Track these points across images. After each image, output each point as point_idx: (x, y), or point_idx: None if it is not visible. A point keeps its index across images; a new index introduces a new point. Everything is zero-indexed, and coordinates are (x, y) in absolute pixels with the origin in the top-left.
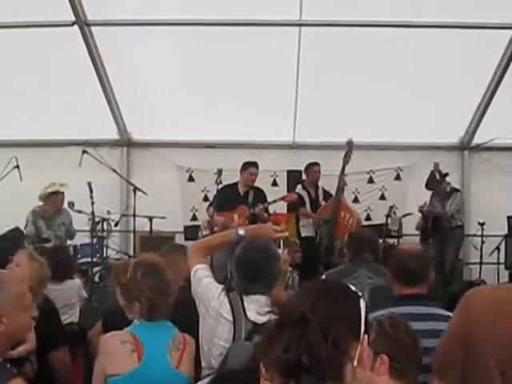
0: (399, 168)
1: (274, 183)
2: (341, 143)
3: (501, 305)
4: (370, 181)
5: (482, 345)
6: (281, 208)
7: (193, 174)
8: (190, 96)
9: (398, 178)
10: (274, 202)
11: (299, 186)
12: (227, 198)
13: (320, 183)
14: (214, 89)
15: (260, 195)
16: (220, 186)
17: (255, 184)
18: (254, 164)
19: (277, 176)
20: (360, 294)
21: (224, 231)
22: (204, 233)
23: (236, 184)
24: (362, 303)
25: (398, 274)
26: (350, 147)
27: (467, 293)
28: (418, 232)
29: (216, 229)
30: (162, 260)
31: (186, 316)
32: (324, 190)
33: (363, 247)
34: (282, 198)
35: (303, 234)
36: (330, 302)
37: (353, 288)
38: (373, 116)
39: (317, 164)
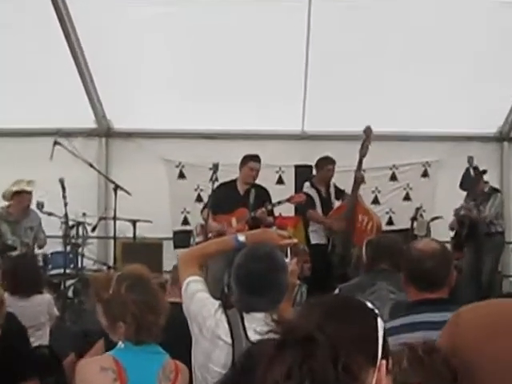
0: (427, 163)
1: (280, 181)
2: (357, 133)
3: (493, 321)
4: (393, 178)
5: (470, 362)
6: (287, 210)
7: (184, 170)
8: (181, 78)
9: (425, 174)
10: (279, 203)
11: (307, 184)
12: (224, 199)
13: (332, 180)
14: (209, 70)
15: (263, 195)
16: (216, 183)
17: (257, 181)
18: (256, 158)
19: (283, 172)
20: (377, 311)
21: (220, 237)
22: (197, 239)
23: (235, 182)
24: (380, 323)
25: (412, 277)
26: (367, 136)
27: (461, 308)
28: (450, 238)
29: (210, 235)
30: (150, 272)
31: (178, 339)
32: (337, 188)
33: (384, 256)
34: (289, 200)
35: (313, 241)
36: (340, 320)
37: (369, 304)
38: (395, 101)
39: (332, 161)
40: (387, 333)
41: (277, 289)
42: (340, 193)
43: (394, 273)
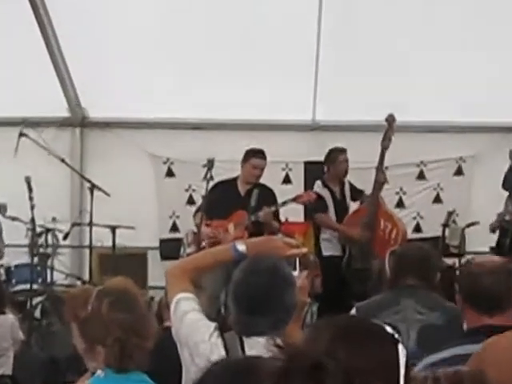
0: (461, 158)
1: (287, 179)
2: (378, 122)
3: None
4: (421, 176)
5: None
6: (295, 214)
7: (173, 167)
8: (169, 59)
9: (459, 172)
10: (284, 204)
11: (318, 183)
12: (222, 201)
13: (346, 178)
14: (203, 49)
15: (267, 196)
16: (211, 183)
17: (261, 181)
18: (260, 153)
19: (290, 169)
20: (399, 335)
21: (216, 247)
22: (188, 249)
23: (234, 180)
24: (402, 349)
25: (470, 298)
26: (390, 126)
27: (487, 340)
28: (489, 248)
29: (204, 244)
30: (134, 286)
31: (168, 367)
32: (352, 187)
33: (410, 270)
34: (295, 199)
35: (325, 252)
36: (354, 345)
37: (388, 329)
38: (423, 86)
39: (343, 150)
40: (436, 365)
41: (282, 308)
42: (357, 193)
43: (422, 289)
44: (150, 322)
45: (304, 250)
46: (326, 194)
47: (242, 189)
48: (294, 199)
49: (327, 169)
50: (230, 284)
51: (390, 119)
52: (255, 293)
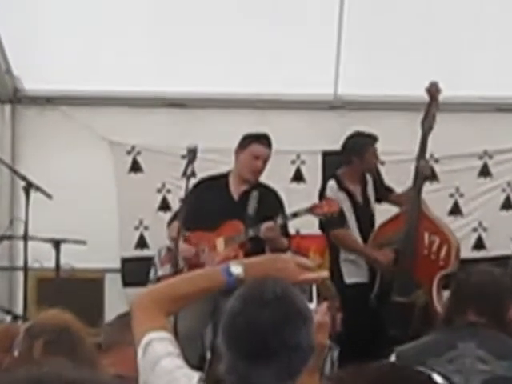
0: None
1: (298, 176)
2: (419, 99)
3: None
4: (484, 173)
5: None
6: (309, 223)
7: (140, 158)
8: (134, 11)
9: None
10: (296, 215)
11: (332, 185)
12: (207, 206)
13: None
14: None
15: (269, 201)
16: (192, 180)
17: (261, 179)
18: (263, 139)
19: (303, 162)
20: None
21: (198, 270)
22: (161, 272)
23: (225, 178)
24: None
25: None
26: (433, 97)
27: None
28: None
29: (183, 266)
30: (78, 322)
31: None
32: (376, 182)
33: (472, 302)
34: (311, 210)
35: (348, 279)
36: None
37: (438, 380)
38: (482, 49)
39: (374, 138)
40: None
41: (295, 353)
42: (383, 190)
43: (487, 329)
44: (100, 371)
45: (324, 273)
46: (343, 199)
47: (235, 189)
48: (310, 210)
49: (348, 161)
50: (219, 318)
51: (433, 89)
52: (258, 331)
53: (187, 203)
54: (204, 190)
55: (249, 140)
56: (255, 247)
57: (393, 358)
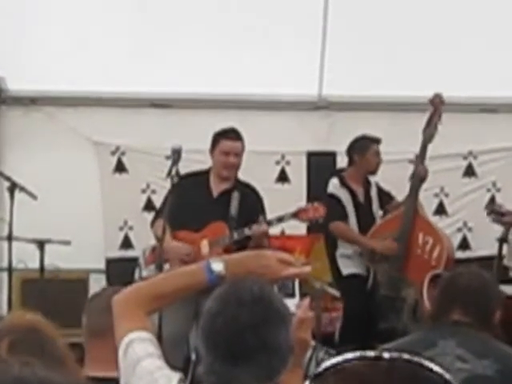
0: None
1: (283, 177)
2: (407, 100)
3: None
4: (469, 172)
5: None
6: (294, 224)
7: (124, 159)
8: (119, 10)
9: None
10: (280, 220)
11: (334, 182)
12: (189, 203)
13: (373, 178)
14: None
15: (251, 202)
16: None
17: (245, 176)
18: (232, 133)
19: (287, 163)
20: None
21: (183, 267)
22: (145, 272)
23: (206, 174)
24: None
25: None
26: (436, 109)
27: None
28: None
29: (167, 265)
30: (47, 322)
31: None
32: (380, 190)
33: (459, 302)
34: (297, 214)
35: (345, 271)
36: None
37: (437, 369)
38: (472, 50)
39: (376, 141)
40: None
41: (273, 353)
42: (386, 198)
43: (471, 329)
44: (72, 373)
45: (307, 268)
46: (344, 195)
47: (215, 187)
48: (296, 214)
49: (351, 161)
50: (200, 320)
51: (437, 100)
52: (236, 331)
53: (171, 200)
54: (185, 187)
55: (217, 138)
56: (240, 250)
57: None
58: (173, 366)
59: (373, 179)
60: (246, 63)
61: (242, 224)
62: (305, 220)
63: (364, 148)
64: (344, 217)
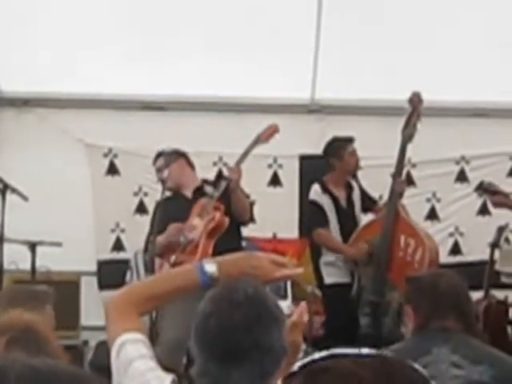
0: None
1: (275, 180)
2: (398, 104)
3: None
4: (461, 178)
5: None
6: (287, 227)
7: (117, 161)
8: (113, 14)
9: None
10: (246, 154)
11: (316, 188)
12: (171, 215)
13: (356, 179)
14: (161, 2)
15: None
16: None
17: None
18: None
19: (280, 166)
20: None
21: (177, 268)
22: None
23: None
24: None
25: None
26: (415, 108)
27: None
28: None
29: (158, 264)
30: (44, 323)
31: None
32: (364, 193)
33: (444, 306)
34: (258, 141)
35: (328, 279)
36: None
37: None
38: (462, 54)
39: (349, 140)
40: None
41: (266, 353)
42: (369, 202)
43: (462, 335)
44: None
45: (299, 270)
46: (326, 201)
47: (187, 192)
48: (256, 141)
49: (331, 167)
50: (194, 320)
51: (416, 99)
52: (230, 331)
53: (159, 212)
54: (167, 202)
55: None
56: (227, 205)
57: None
58: (165, 367)
59: (355, 183)
60: (239, 66)
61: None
62: (266, 139)
63: (339, 150)
64: (326, 223)
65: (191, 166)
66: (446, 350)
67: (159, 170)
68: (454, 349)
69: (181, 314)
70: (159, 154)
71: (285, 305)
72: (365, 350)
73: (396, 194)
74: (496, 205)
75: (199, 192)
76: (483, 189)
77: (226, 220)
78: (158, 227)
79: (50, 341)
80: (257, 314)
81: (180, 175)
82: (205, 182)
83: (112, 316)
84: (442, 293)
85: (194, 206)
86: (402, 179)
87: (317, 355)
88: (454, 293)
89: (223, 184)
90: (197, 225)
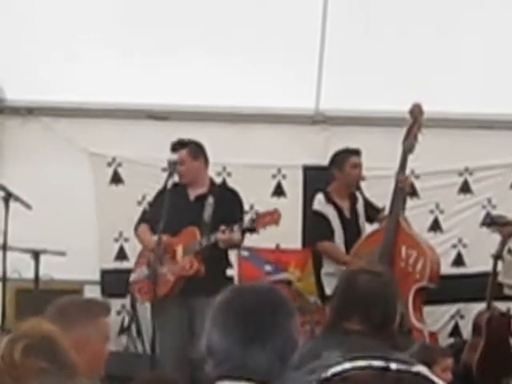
0: None
1: (279, 191)
2: (403, 115)
3: None
4: (464, 189)
5: None
6: (290, 238)
7: (121, 170)
8: (116, 23)
9: None
10: (252, 228)
11: (320, 198)
12: (167, 207)
13: (360, 190)
14: (164, 13)
15: (227, 206)
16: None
17: (241, 192)
18: (175, 145)
19: (284, 177)
20: None
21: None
22: (135, 275)
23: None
24: None
25: None
26: (415, 119)
27: None
28: None
29: (164, 269)
30: (59, 331)
31: None
32: (368, 203)
33: (358, 309)
34: (255, 220)
35: (329, 291)
36: None
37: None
38: (466, 66)
39: (354, 152)
40: None
41: (287, 337)
42: (374, 212)
43: (363, 338)
44: (81, 382)
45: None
46: (330, 212)
47: (191, 191)
48: (254, 220)
49: (333, 177)
50: (210, 317)
51: (416, 110)
52: (256, 312)
53: (153, 205)
54: (165, 192)
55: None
56: (211, 256)
57: None
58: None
59: (359, 193)
60: (243, 76)
61: (217, 229)
62: (263, 224)
63: (341, 161)
64: (330, 234)
65: (207, 165)
66: (336, 353)
67: (181, 163)
68: (346, 353)
69: (177, 321)
70: (183, 144)
71: None
72: (393, 365)
73: (399, 195)
74: (506, 236)
75: (201, 201)
76: (492, 221)
77: (202, 271)
78: (151, 210)
79: (68, 350)
80: (278, 300)
81: (197, 176)
82: (212, 184)
83: None
84: (354, 293)
85: (188, 230)
86: (405, 177)
87: (347, 364)
88: (365, 294)
89: (211, 239)
90: (177, 256)
